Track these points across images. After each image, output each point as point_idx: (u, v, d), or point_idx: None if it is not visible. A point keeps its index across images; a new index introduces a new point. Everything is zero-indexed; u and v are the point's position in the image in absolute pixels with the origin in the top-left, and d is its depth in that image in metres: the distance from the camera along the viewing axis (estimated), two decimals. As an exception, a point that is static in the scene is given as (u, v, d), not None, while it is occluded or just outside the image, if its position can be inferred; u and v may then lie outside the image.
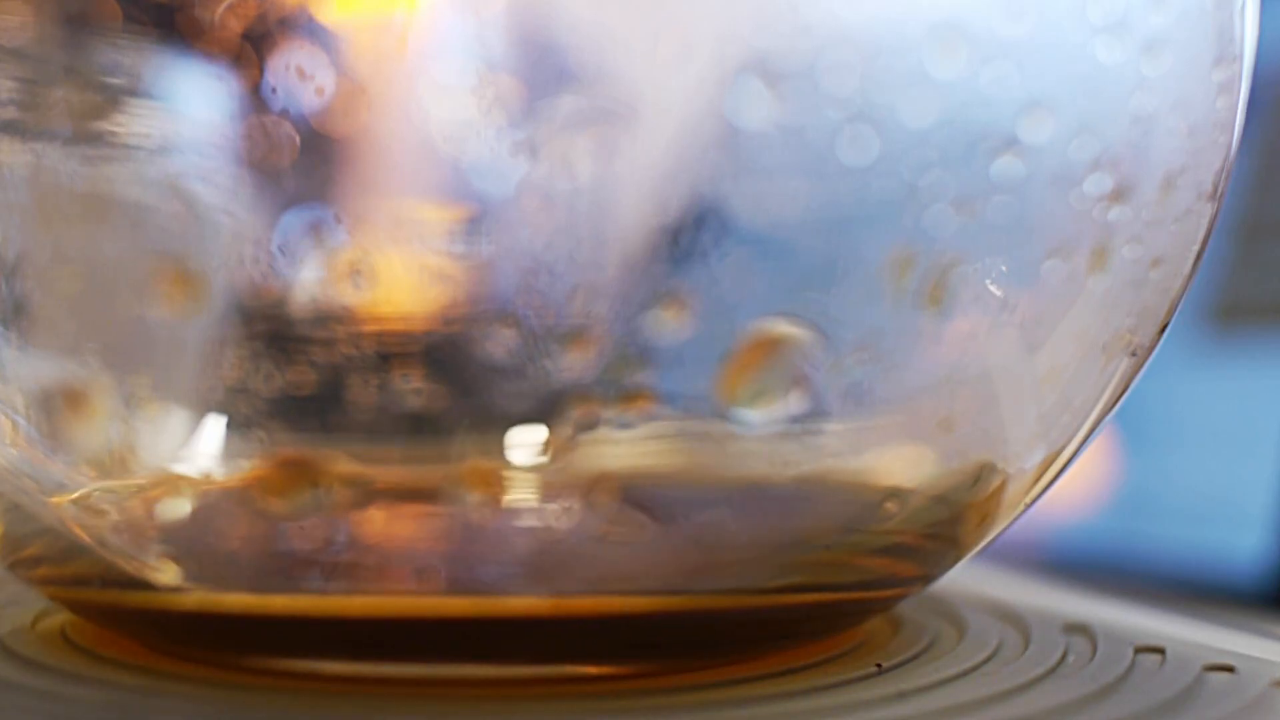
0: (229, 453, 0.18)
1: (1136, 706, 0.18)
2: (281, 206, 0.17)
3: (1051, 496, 0.22)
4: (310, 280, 0.17)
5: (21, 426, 0.18)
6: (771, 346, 0.18)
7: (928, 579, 0.21)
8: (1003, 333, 0.19)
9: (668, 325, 0.17)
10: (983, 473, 0.19)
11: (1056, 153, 0.18)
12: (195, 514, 0.18)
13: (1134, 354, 0.20)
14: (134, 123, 0.17)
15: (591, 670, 0.19)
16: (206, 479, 0.18)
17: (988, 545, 0.21)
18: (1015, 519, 0.21)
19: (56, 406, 0.18)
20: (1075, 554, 0.45)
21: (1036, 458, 0.20)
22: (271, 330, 0.17)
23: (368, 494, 0.18)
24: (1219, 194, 0.20)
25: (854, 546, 0.19)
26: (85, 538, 0.19)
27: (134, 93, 0.17)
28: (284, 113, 0.17)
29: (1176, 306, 0.21)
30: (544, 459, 0.17)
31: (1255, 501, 0.41)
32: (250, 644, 0.19)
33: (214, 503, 0.18)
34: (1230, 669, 0.20)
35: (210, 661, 0.19)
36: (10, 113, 0.17)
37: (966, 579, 0.24)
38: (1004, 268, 0.18)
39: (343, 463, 0.17)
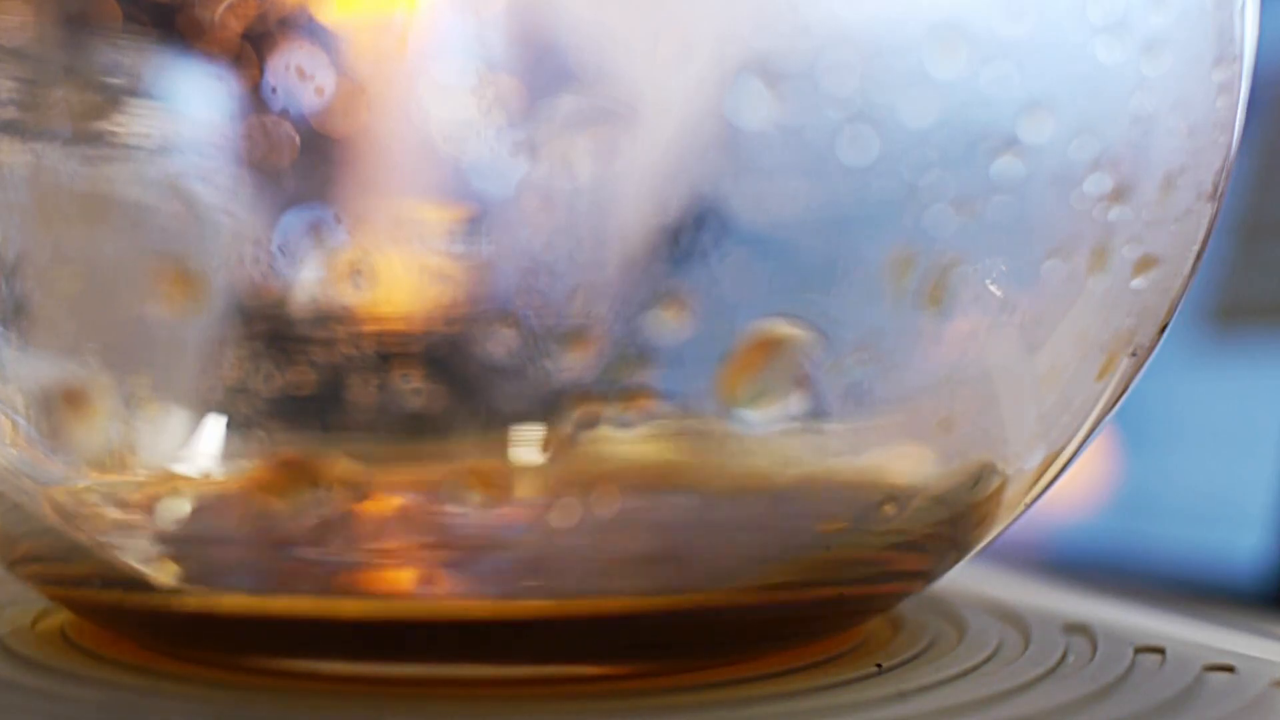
0: (229, 453, 0.18)
1: (1136, 706, 0.18)
2: (281, 206, 0.17)
3: (1051, 496, 0.22)
4: (310, 280, 0.17)
5: (21, 426, 0.18)
6: (772, 346, 0.18)
7: (928, 579, 0.21)
8: (1003, 333, 0.19)
9: (668, 325, 0.17)
10: (983, 473, 0.19)
11: (1056, 153, 0.18)
12: (195, 514, 0.18)
13: (1134, 354, 0.20)
14: (134, 123, 0.17)
15: (591, 670, 0.19)
16: (206, 479, 0.18)
17: (988, 545, 0.21)
18: (1015, 519, 0.21)
19: (56, 406, 0.18)
20: (1075, 554, 0.45)
21: (1036, 458, 0.20)
22: (271, 330, 0.17)
23: (368, 494, 0.18)
24: (1219, 194, 0.20)
25: (854, 546, 0.19)
26: (85, 538, 0.19)
27: (134, 93, 0.17)
28: (284, 113, 0.17)
29: (1176, 306, 0.21)
30: (544, 459, 0.17)
31: (1255, 501, 0.41)
32: (250, 644, 0.19)
33: (214, 503, 0.18)
34: (1230, 669, 0.20)
35: (210, 661, 0.19)
36: (10, 113, 0.17)
37: (966, 579, 0.24)
38: (1004, 268, 0.18)
39: (343, 463, 0.17)
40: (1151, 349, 0.21)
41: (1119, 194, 0.19)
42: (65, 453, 0.18)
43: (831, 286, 0.18)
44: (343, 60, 0.17)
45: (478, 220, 0.17)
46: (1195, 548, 0.42)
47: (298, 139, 0.17)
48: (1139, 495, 0.46)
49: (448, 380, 0.17)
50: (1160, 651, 0.21)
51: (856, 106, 0.17)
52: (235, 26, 0.17)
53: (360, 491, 0.18)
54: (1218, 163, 0.20)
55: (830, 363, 0.18)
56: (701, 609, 0.19)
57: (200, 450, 0.18)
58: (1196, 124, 0.19)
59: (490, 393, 0.17)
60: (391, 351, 0.17)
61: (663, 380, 0.17)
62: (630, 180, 0.17)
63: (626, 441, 0.17)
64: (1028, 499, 0.21)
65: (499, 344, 0.17)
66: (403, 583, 0.18)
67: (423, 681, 0.19)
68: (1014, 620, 0.22)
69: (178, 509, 0.18)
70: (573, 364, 0.17)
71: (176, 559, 0.19)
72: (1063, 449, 0.20)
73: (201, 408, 0.18)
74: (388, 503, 0.18)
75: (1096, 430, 0.21)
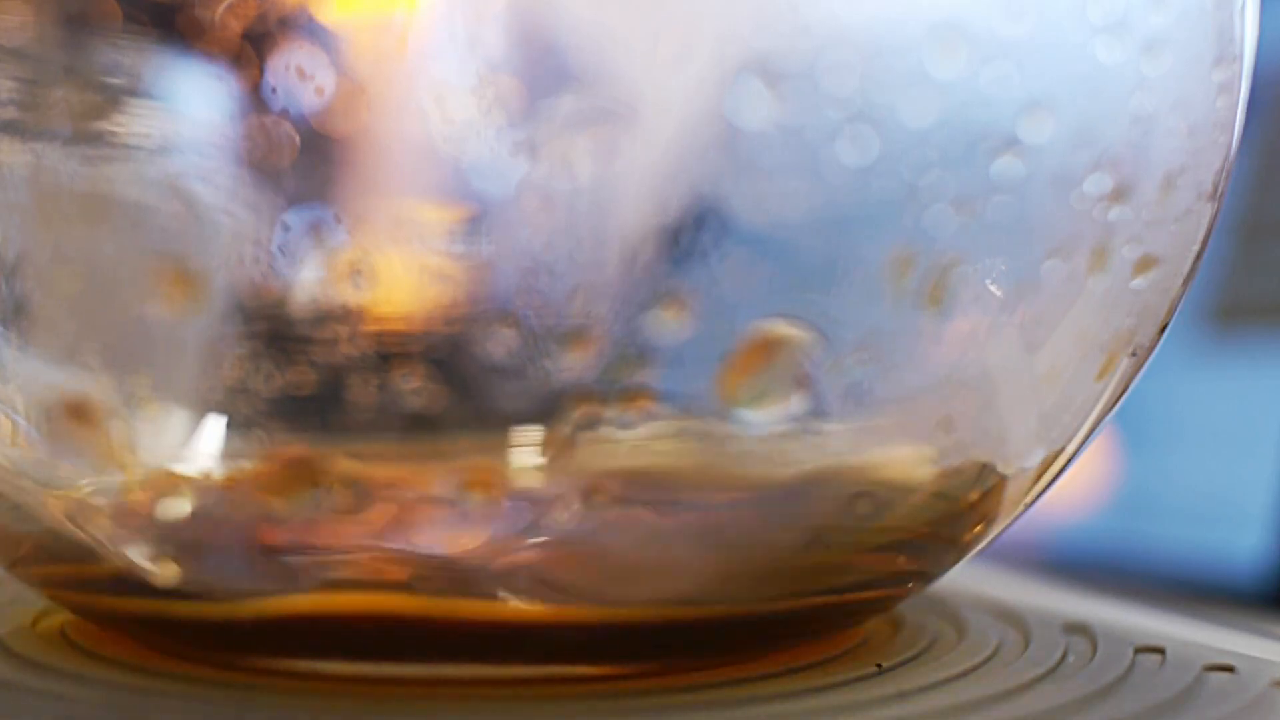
0: (229, 452, 0.18)
1: (1136, 706, 0.18)
2: (281, 206, 0.17)
3: (1051, 496, 0.22)
4: (310, 280, 0.17)
5: (21, 426, 0.18)
6: (772, 347, 0.18)
7: (927, 579, 0.21)
8: (1003, 333, 0.19)
9: (668, 325, 0.17)
10: (983, 473, 0.19)
11: (1056, 153, 0.18)
12: (195, 514, 0.18)
13: (1134, 354, 0.20)
14: (134, 123, 0.17)
15: (591, 670, 0.19)
16: (206, 479, 0.18)
17: (987, 545, 0.21)
18: (1015, 519, 0.21)
19: (56, 407, 0.18)
20: (1075, 554, 0.45)
21: (1036, 458, 0.20)
22: (271, 330, 0.17)
23: (368, 494, 0.18)
24: (1219, 194, 0.20)
25: (854, 546, 0.19)
26: (85, 538, 0.19)
27: (134, 93, 0.17)
28: (284, 113, 0.17)
29: (1176, 306, 0.21)
30: (544, 459, 0.17)
31: (1255, 501, 0.41)
32: (250, 644, 0.19)
33: (214, 503, 0.18)
34: (1230, 669, 0.20)
35: (210, 661, 0.19)
36: (10, 113, 0.17)
37: (966, 579, 0.24)
38: (1004, 268, 0.18)
39: (343, 462, 0.17)
40: (1151, 349, 0.21)
41: (1119, 194, 0.19)
42: (65, 453, 0.18)
43: (831, 286, 0.18)
44: (343, 60, 0.17)
45: (478, 220, 0.17)
46: (1195, 548, 0.42)
47: (298, 139, 0.17)
48: (1139, 495, 0.46)
49: (448, 380, 0.17)
50: (1160, 651, 0.21)
51: (856, 106, 0.17)
52: (235, 26, 0.17)
53: (360, 491, 0.18)
54: (1218, 163, 0.20)
55: (830, 363, 0.18)
56: (701, 609, 0.19)
57: (200, 450, 0.18)
58: (1196, 124, 0.19)
59: (490, 393, 0.17)
60: (391, 351, 0.17)
61: (663, 381, 0.17)
62: (630, 180, 0.17)
63: (626, 441, 0.17)
64: (1027, 499, 0.21)
65: (499, 344, 0.17)
66: (403, 583, 0.18)
67: (423, 681, 0.19)
68: (1014, 620, 0.22)
69: (178, 509, 0.18)
70: (573, 364, 0.17)
71: (176, 559, 0.19)
72: (1063, 449, 0.20)
73: (202, 408, 0.18)
74: (388, 502, 0.18)
75: (1096, 430, 0.21)
